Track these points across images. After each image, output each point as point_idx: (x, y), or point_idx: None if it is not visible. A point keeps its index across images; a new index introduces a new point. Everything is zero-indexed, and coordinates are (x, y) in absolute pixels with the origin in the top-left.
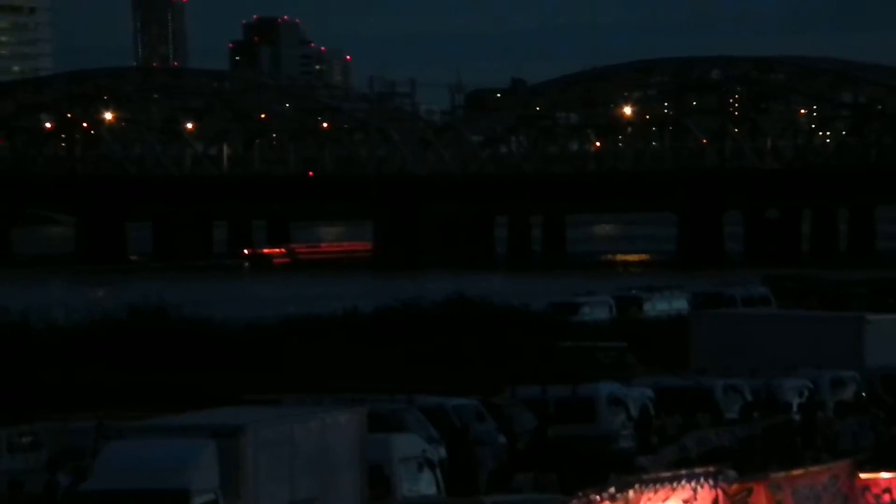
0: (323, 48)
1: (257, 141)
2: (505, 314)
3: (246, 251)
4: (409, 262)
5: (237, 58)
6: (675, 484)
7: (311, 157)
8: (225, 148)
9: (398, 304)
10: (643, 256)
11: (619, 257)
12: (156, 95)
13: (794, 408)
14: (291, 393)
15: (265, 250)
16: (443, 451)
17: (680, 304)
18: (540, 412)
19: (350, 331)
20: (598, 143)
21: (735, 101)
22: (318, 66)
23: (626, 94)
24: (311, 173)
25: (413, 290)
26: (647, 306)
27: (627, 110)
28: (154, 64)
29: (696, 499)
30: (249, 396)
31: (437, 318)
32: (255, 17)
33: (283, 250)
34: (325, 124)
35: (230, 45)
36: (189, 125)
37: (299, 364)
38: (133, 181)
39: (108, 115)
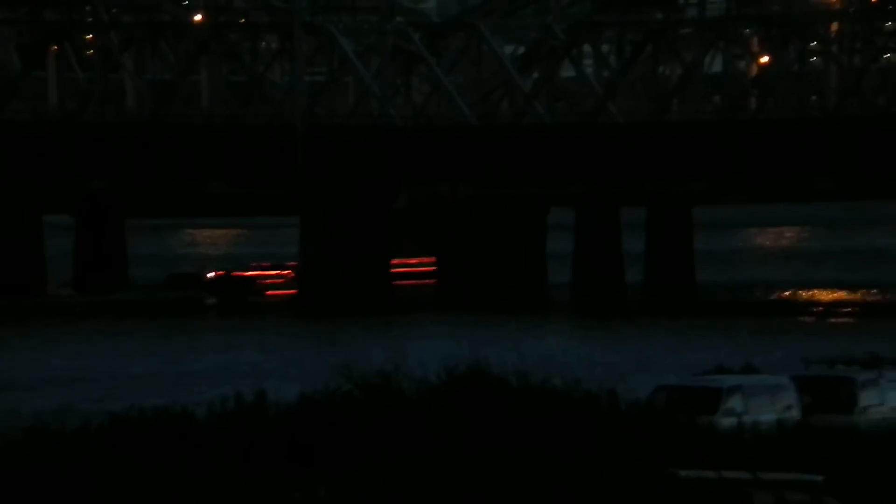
0: None
1: (54, 48)
2: (567, 410)
3: (213, 273)
4: (372, 298)
5: None
6: None
7: (171, 87)
8: None
9: (349, 383)
10: (859, 294)
11: (811, 295)
12: None
13: None
14: None
15: (250, 271)
16: None
17: None
18: None
19: (249, 448)
20: (764, 59)
21: None
22: None
23: None
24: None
25: (380, 354)
26: (865, 396)
27: None
28: None
29: None
30: None
31: (430, 415)
32: None
33: (288, 272)
34: (197, 17)
35: None
36: None
37: None
38: None
39: None
